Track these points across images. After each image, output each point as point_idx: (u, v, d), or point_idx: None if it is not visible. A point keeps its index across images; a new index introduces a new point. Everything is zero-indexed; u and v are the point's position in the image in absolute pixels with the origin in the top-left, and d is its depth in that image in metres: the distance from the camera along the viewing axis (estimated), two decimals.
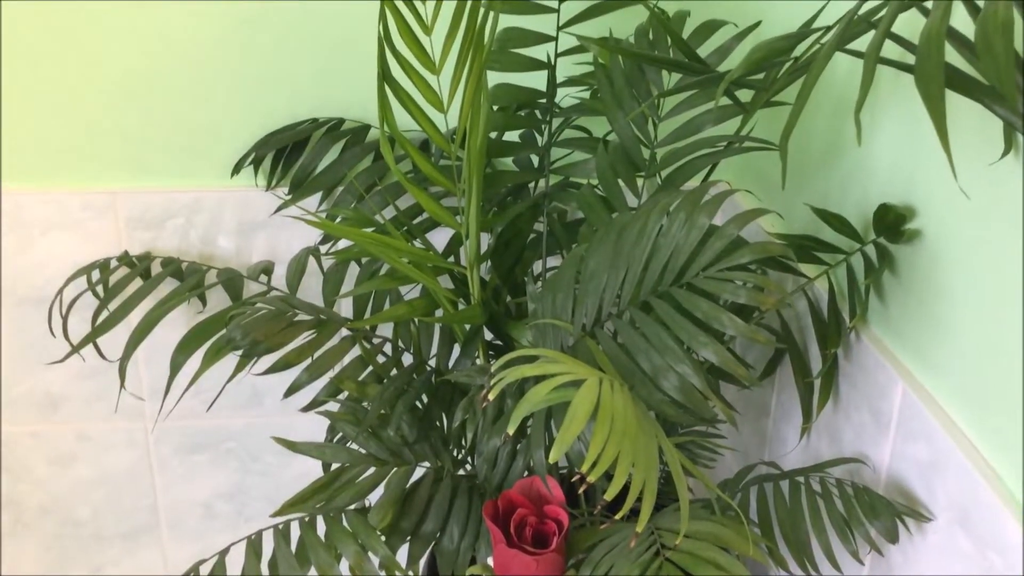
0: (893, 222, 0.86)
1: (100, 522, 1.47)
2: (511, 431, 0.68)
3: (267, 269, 1.23)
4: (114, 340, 1.33)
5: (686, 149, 1.00)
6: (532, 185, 1.21)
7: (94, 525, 1.47)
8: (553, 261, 1.27)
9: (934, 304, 0.81)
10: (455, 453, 1.06)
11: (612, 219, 0.99)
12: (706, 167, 0.99)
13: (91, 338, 1.07)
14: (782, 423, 1.14)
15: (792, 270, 1.00)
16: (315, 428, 1.44)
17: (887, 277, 0.90)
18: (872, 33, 0.85)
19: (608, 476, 0.67)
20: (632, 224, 0.87)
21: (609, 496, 0.64)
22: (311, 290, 1.33)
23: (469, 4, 0.89)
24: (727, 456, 1.37)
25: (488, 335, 1.19)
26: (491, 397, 0.70)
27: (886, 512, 0.81)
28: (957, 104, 0.76)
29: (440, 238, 1.30)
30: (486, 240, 1.21)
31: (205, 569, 1.05)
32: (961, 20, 0.73)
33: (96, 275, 1.26)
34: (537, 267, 1.28)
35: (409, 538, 0.98)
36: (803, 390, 1.01)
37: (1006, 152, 0.67)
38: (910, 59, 0.80)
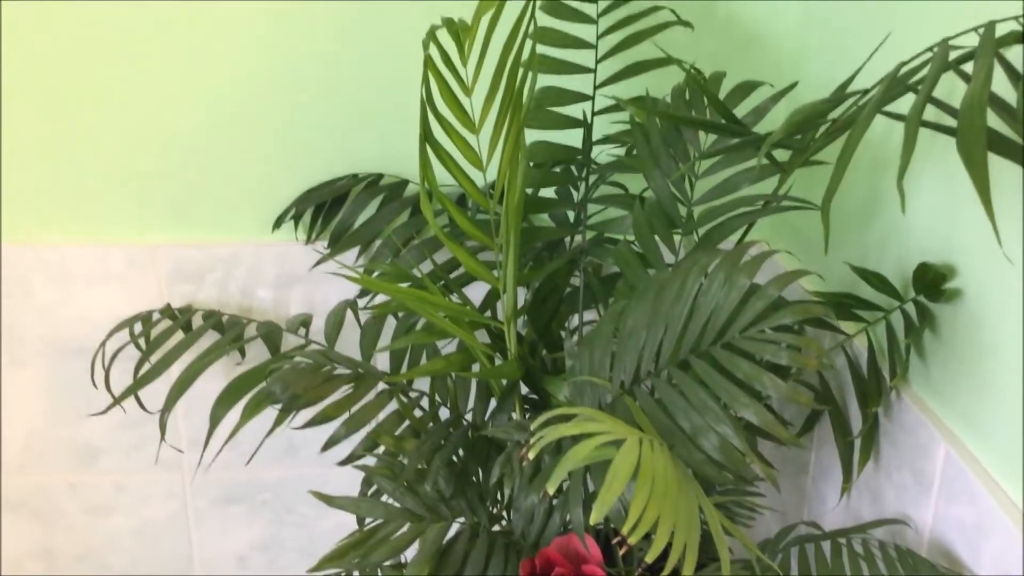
0: (933, 281, 0.86)
1: (135, 572, 1.48)
2: (551, 490, 0.68)
3: (305, 322, 1.25)
4: (153, 392, 1.35)
5: (723, 207, 1.01)
6: (568, 240, 1.22)
7: None
8: (589, 315, 1.28)
9: (976, 364, 0.81)
10: (491, 508, 1.06)
11: (650, 277, 1.00)
12: (743, 226, 0.99)
13: (133, 390, 1.08)
14: (820, 481, 1.13)
15: (831, 327, 1.00)
16: (350, 479, 1.44)
17: (927, 336, 0.90)
18: (910, 95, 0.85)
19: (647, 535, 0.67)
20: (671, 283, 0.88)
21: (650, 559, 0.64)
22: (348, 342, 1.34)
23: (508, 66, 0.90)
24: (765, 513, 1.35)
25: (524, 389, 1.19)
26: (531, 456, 0.70)
27: None
28: (993, 162, 0.76)
29: (477, 292, 1.31)
30: (522, 294, 1.22)
31: None
32: (998, 82, 0.74)
33: (138, 327, 1.27)
34: (573, 321, 1.28)
35: None
36: (843, 449, 1.00)
37: None
38: (946, 119, 0.80)
